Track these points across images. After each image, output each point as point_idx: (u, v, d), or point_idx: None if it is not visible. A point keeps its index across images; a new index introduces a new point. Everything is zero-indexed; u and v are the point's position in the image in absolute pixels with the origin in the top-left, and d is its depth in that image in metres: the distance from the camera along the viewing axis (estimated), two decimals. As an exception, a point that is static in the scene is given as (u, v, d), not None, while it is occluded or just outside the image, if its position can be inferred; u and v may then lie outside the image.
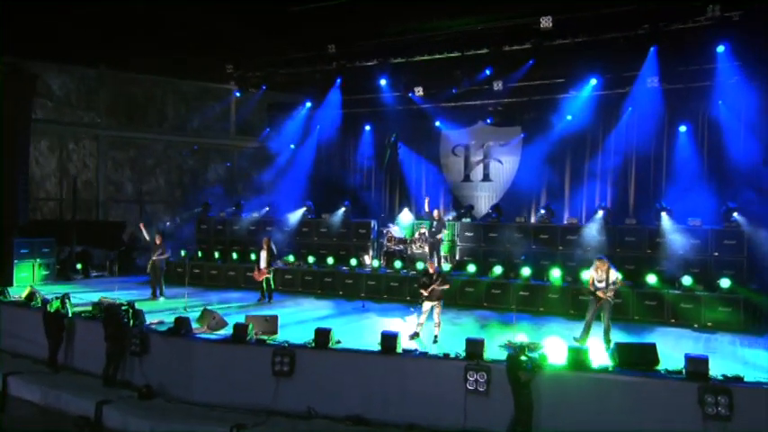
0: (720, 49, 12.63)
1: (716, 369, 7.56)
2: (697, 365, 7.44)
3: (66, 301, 11.10)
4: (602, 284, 9.42)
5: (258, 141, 20.96)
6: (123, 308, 10.15)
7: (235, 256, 16.40)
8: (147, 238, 14.49)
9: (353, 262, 15.10)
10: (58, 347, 10.87)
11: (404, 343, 9.16)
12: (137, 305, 10.65)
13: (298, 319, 11.47)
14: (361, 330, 10.74)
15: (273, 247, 14.03)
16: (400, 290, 14.08)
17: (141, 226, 15.01)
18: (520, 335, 9.65)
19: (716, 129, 13.94)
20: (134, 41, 17.91)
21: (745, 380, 7.37)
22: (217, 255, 16.79)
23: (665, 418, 7.27)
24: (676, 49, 13.46)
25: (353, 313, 12.56)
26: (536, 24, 13.76)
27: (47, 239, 16.05)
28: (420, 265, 14.14)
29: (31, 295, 12.32)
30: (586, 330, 9.59)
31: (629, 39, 13.32)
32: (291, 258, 15.93)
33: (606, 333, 9.47)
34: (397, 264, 14.48)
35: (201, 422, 8.60)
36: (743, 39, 12.35)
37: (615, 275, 9.44)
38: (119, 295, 12.54)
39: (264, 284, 13.74)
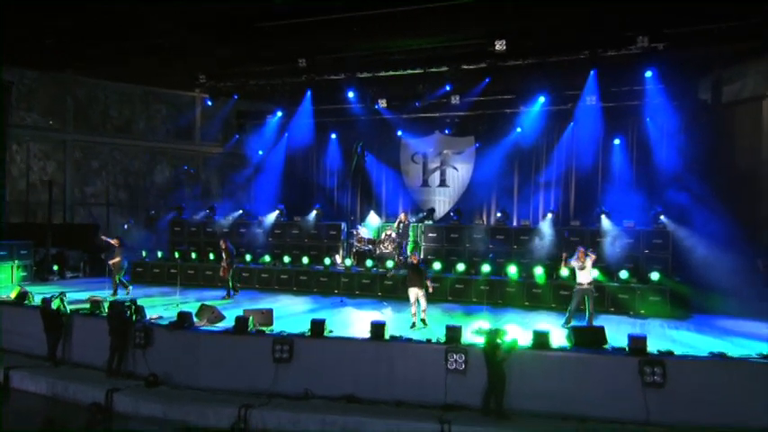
0: (648, 74, 14.24)
1: (651, 347, 8.92)
2: (637, 343, 8.77)
3: (64, 299, 11.48)
4: (584, 271, 10.72)
5: (226, 148, 21.39)
6: (126, 304, 10.65)
7: (212, 256, 16.85)
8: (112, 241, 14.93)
9: (327, 261, 15.90)
10: (57, 343, 11.22)
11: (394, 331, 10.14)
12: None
13: (284, 314, 12.20)
14: (344, 322, 11.64)
15: (231, 246, 14.69)
16: (371, 286, 14.99)
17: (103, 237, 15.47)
18: (484, 323, 10.78)
19: (645, 142, 15.69)
20: (106, 50, 18.06)
21: (675, 354, 8.78)
22: (194, 255, 17.20)
23: (613, 386, 8.56)
24: (612, 73, 15.01)
25: (333, 307, 13.39)
26: (491, 46, 14.88)
27: (25, 242, 16.06)
28: (389, 264, 15.17)
29: (24, 295, 12.53)
30: (569, 318, 10.85)
31: (573, 62, 14.70)
32: (267, 258, 16.55)
33: (590, 319, 10.71)
34: (368, 263, 15.40)
35: (210, 404, 9.30)
36: (667, 66, 14.02)
37: (591, 260, 10.75)
38: (99, 294, 13.00)
39: (230, 281, 14.40)
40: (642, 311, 12.61)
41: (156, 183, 23.98)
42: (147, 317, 11.02)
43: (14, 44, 16.97)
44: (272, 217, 17.55)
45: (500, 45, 14.67)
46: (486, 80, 15.99)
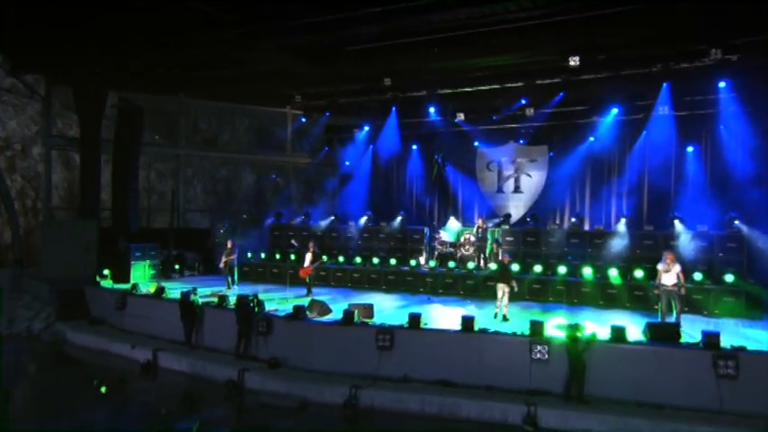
0: (722, 84, 14.47)
1: (724, 342, 9.45)
2: (710, 338, 9.33)
3: (196, 293, 13.23)
4: (668, 274, 11.22)
5: (317, 159, 22.96)
6: (250, 298, 12.19)
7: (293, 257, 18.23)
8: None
9: (413, 262, 17.03)
10: (192, 330, 12.94)
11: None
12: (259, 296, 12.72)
13: (378, 309, 13.31)
14: (433, 316, 12.64)
15: (317, 249, 15.94)
16: (454, 286, 15.91)
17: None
18: (562, 319, 11.54)
19: (718, 149, 15.81)
20: (214, 75, 19.95)
21: (748, 349, 9.28)
22: (293, 257, 18.76)
23: (687, 377, 9.18)
24: (685, 84, 15.28)
25: (421, 304, 14.42)
26: (565, 62, 15.55)
27: (153, 244, 18.14)
28: (471, 264, 16.15)
29: (161, 290, 14.43)
30: (662, 317, 11.26)
31: (645, 75, 15.09)
32: (358, 260, 17.82)
33: (677, 317, 11.09)
34: (451, 264, 16.41)
35: (325, 384, 10.61)
36: (740, 77, 14.21)
37: (678, 266, 11.23)
38: (217, 290, 14.76)
39: (308, 280, 15.52)
40: (716, 311, 12.87)
41: (242, 189, 26.09)
42: (266, 309, 12.53)
43: (135, 74, 19.24)
44: (361, 222, 18.88)
45: (574, 61, 15.15)
46: (561, 94, 16.60)
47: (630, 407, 9.16)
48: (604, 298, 13.93)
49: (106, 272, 17.14)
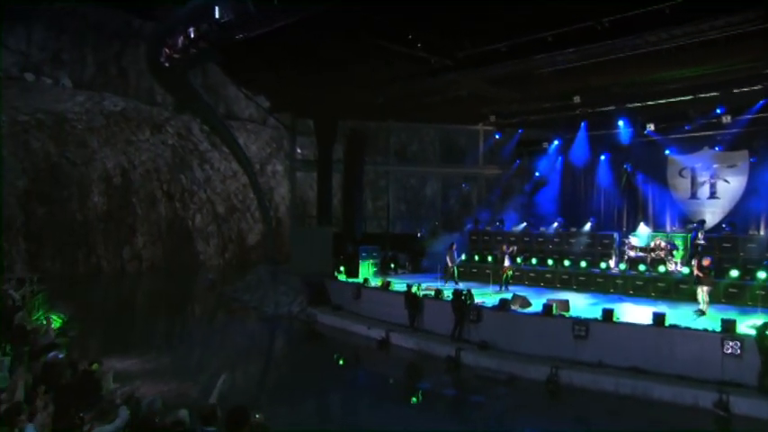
0: None
1: None
2: None
3: (420, 286, 16.07)
4: None
5: (510, 170, 24.80)
6: (464, 292, 14.60)
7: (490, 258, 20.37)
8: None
9: (603, 265, 18.05)
10: (415, 316, 15.76)
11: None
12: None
13: (572, 305, 14.78)
14: (624, 313, 13.72)
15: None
16: (644, 287, 16.47)
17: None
18: (758, 321, 11.87)
19: None
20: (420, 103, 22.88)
21: None
22: (489, 258, 20.87)
23: None
24: None
25: (611, 302, 15.40)
26: (765, 69, 15.38)
27: (374, 247, 21.68)
28: (662, 268, 16.73)
29: (387, 284, 17.62)
30: None
31: None
32: (550, 262, 19.33)
33: None
34: (641, 267, 17.12)
35: (529, 363, 12.51)
36: None
37: None
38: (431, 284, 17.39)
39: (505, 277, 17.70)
40: None
41: (428, 198, 28.82)
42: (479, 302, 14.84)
43: (359, 106, 22.94)
44: (552, 227, 20.32)
45: (772, 68, 15.09)
46: (762, 102, 16.29)
47: (828, 402, 9.59)
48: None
49: (341, 268, 21.00)
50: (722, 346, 10.82)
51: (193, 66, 20.69)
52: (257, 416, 5.63)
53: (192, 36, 16.57)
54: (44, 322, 11.58)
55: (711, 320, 12.15)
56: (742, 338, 10.67)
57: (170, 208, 32.52)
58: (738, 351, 10.62)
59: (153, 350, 15.12)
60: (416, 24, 15.56)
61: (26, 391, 6.04)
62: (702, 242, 16.59)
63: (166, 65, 18.55)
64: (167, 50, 17.70)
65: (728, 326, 11.03)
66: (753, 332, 10.64)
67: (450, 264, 18.70)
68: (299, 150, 27.71)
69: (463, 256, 21.46)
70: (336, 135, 23.39)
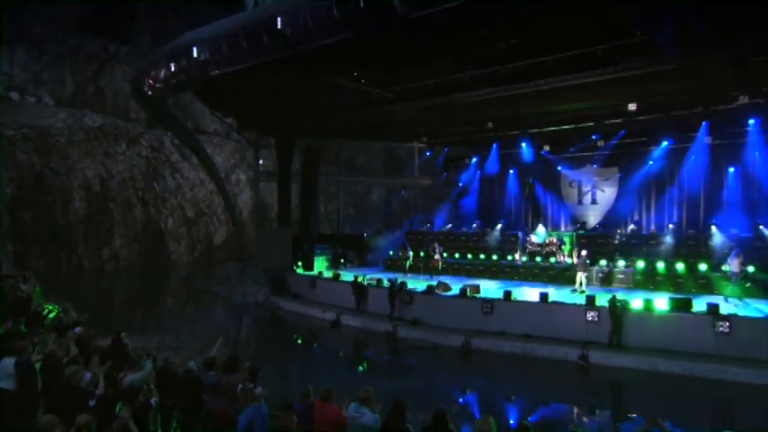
0: (752, 121, 16.23)
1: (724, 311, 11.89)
2: (712, 308, 11.87)
3: (364, 277, 17.72)
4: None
5: (439, 180, 26.90)
6: (398, 281, 16.38)
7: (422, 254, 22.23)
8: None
9: (509, 258, 20.34)
10: (360, 301, 17.39)
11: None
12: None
13: (485, 288, 16.81)
14: (522, 294, 15.89)
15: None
16: (540, 275, 18.78)
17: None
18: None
19: (751, 170, 17.26)
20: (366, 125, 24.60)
21: (739, 315, 11.68)
22: (422, 253, 22.73)
23: (695, 333, 11.79)
24: (722, 119, 17.08)
25: (515, 286, 17.60)
26: (625, 107, 17.99)
27: (327, 245, 23.20)
28: (553, 260, 19.14)
29: (337, 275, 19.19)
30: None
31: (689, 115, 17.18)
32: (470, 256, 21.48)
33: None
34: (538, 259, 19.48)
35: (449, 334, 14.37)
36: (766, 116, 15.92)
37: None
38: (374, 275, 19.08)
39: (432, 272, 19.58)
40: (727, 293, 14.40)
41: (374, 203, 30.60)
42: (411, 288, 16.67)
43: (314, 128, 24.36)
44: (472, 227, 22.51)
45: (632, 106, 17.54)
46: (623, 131, 19.01)
47: (654, 351, 11.93)
48: (653, 283, 16.22)
49: (299, 263, 22.38)
50: (585, 315, 13.09)
51: (173, 94, 21.51)
52: (247, 364, 7.15)
53: (173, 70, 17.48)
54: (59, 309, 12.42)
55: (583, 297, 14.46)
56: (599, 309, 12.96)
57: (144, 212, 32.75)
58: (597, 318, 12.91)
59: (147, 331, 16.09)
60: (361, 64, 17.28)
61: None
62: (584, 240, 19.16)
63: (149, 93, 19.36)
64: (150, 81, 18.50)
65: (590, 300, 13.33)
66: (606, 304, 12.95)
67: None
68: (261, 162, 28.78)
69: (399, 253, 23.31)
70: (294, 150, 24.69)
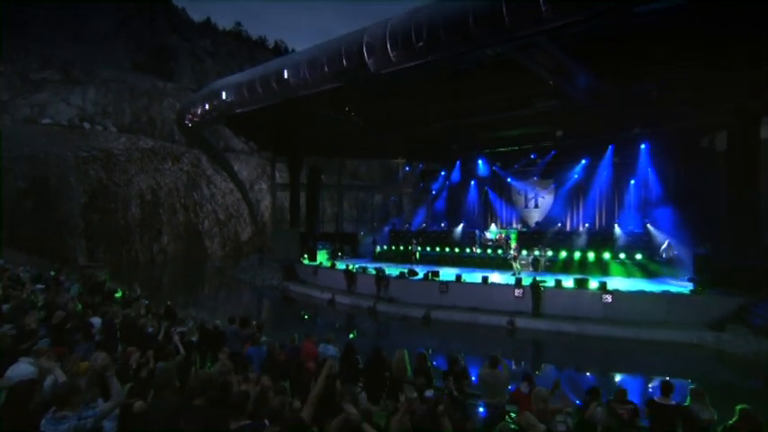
0: (643, 146, 17.82)
1: (611, 286, 13.50)
2: (602, 284, 13.46)
3: (354, 265, 19.30)
4: None
5: (417, 189, 28.49)
6: (380, 269, 17.97)
7: (402, 248, 23.80)
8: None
9: (468, 250, 21.91)
10: (351, 284, 18.98)
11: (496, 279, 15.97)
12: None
13: (447, 273, 18.35)
14: (474, 277, 17.43)
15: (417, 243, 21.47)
16: (489, 263, 20.33)
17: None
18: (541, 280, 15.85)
19: (642, 183, 18.84)
20: (356, 145, 26.26)
21: (620, 290, 13.28)
22: (401, 247, 24.35)
23: (590, 303, 13.41)
24: (621, 145, 18.71)
25: (471, 272, 19.19)
26: (553, 132, 19.63)
27: (327, 241, 24.79)
28: (500, 251, 20.71)
29: (334, 265, 20.78)
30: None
31: (598, 139, 18.88)
32: (438, 248, 23.05)
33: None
34: (489, 251, 21.04)
35: (413, 308, 15.91)
36: (653, 142, 17.50)
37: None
38: (360, 264, 20.65)
39: (416, 259, 21.09)
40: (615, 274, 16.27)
41: (371, 206, 32.10)
42: (388, 273, 18.26)
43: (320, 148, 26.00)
44: (441, 226, 24.06)
45: (559, 132, 19.30)
46: (553, 152, 20.61)
47: (564, 318, 13.48)
48: (570, 267, 17.75)
49: (305, 256, 23.97)
50: (514, 292, 14.67)
51: (207, 126, 23.22)
52: (254, 322, 8.78)
53: (207, 108, 19.19)
54: (124, 290, 14.11)
55: (513, 279, 16.05)
56: (524, 287, 14.55)
57: (186, 216, 34.45)
58: (522, 294, 14.49)
59: (188, 305, 17.72)
60: (348, 103, 18.96)
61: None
62: (524, 236, 20.74)
63: (189, 125, 21.04)
64: (190, 116, 20.19)
65: (518, 281, 14.91)
66: (529, 284, 14.53)
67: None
68: (278, 175, 30.41)
69: (385, 247, 24.93)
70: (302, 167, 26.32)
